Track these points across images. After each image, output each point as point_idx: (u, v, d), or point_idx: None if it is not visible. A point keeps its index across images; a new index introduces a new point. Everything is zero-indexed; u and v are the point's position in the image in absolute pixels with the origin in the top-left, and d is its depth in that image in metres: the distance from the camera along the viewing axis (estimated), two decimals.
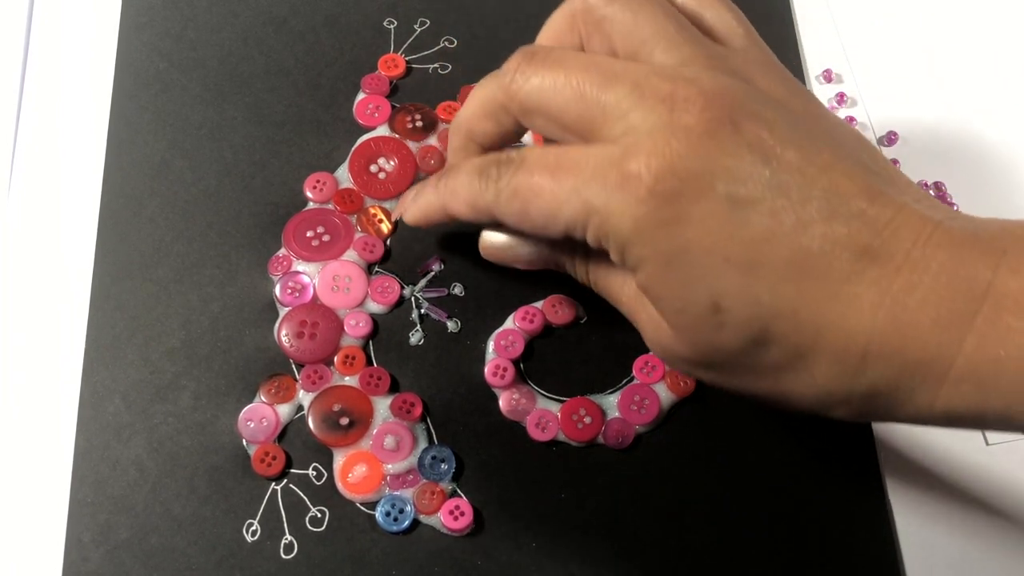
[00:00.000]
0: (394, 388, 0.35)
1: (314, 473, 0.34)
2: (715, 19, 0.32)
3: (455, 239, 0.38)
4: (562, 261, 0.33)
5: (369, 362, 0.36)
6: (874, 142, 0.42)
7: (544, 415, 0.35)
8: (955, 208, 0.40)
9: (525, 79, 0.30)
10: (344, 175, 0.39)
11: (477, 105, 0.32)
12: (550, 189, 0.28)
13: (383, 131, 0.40)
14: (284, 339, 0.35)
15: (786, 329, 0.26)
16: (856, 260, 0.25)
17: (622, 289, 0.31)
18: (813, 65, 0.43)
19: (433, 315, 0.37)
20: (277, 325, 0.36)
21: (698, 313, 0.27)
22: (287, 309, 0.36)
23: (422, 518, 0.33)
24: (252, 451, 0.34)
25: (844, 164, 0.27)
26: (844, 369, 0.26)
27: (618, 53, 0.31)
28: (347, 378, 0.35)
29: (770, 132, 0.27)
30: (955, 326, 0.24)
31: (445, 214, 0.33)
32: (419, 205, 0.34)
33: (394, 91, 0.41)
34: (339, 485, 0.33)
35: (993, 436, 0.35)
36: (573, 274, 0.33)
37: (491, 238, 0.33)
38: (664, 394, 0.35)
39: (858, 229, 0.26)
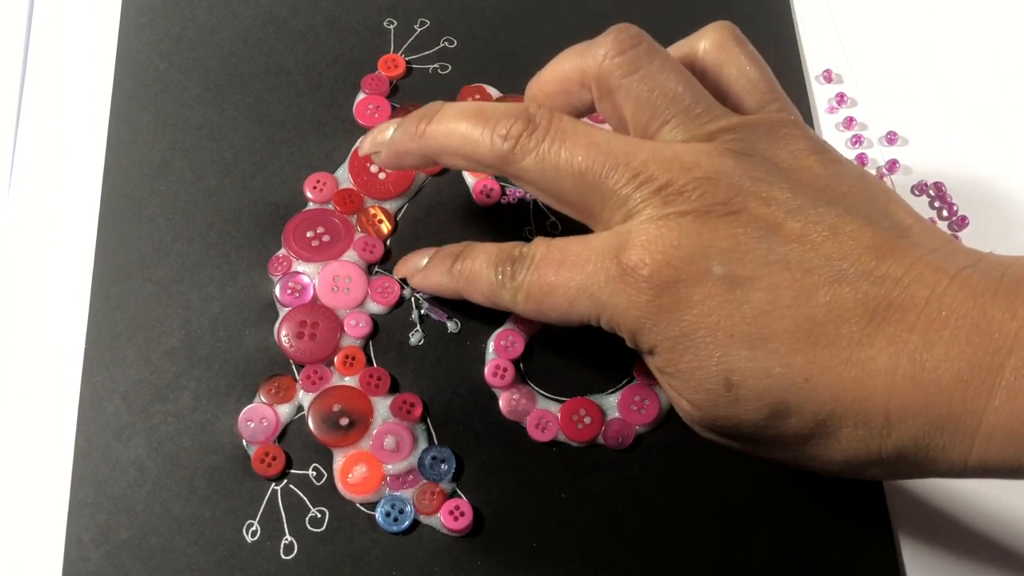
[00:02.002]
0: (394, 388, 0.35)
1: (314, 473, 0.34)
2: (736, 74, 0.32)
3: (455, 240, 0.38)
4: None
5: (369, 362, 0.36)
6: (874, 142, 0.42)
7: (544, 415, 0.35)
8: (955, 208, 0.40)
9: (524, 153, 0.30)
10: (344, 175, 0.39)
11: (471, 163, 0.32)
12: (560, 287, 0.29)
13: None
14: (284, 339, 0.35)
15: (801, 399, 0.26)
16: (867, 322, 0.25)
17: (649, 364, 0.31)
18: (813, 65, 0.43)
19: (433, 315, 0.37)
20: (277, 325, 0.36)
21: (712, 390, 0.27)
22: (287, 309, 0.36)
23: (422, 518, 0.33)
24: (252, 451, 0.34)
25: (851, 225, 0.27)
26: (869, 433, 0.26)
27: (627, 122, 0.31)
28: (347, 378, 0.35)
29: (768, 207, 0.27)
30: (980, 381, 0.24)
31: (459, 297, 0.34)
32: (430, 283, 0.34)
33: (394, 91, 0.41)
34: (339, 485, 0.33)
35: None
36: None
37: None
38: (664, 394, 0.35)
39: (866, 291, 0.26)
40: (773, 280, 0.26)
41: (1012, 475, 0.26)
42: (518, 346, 0.36)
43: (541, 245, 0.31)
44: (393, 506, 0.33)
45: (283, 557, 0.32)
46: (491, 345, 0.36)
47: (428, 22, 0.43)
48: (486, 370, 0.35)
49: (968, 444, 0.25)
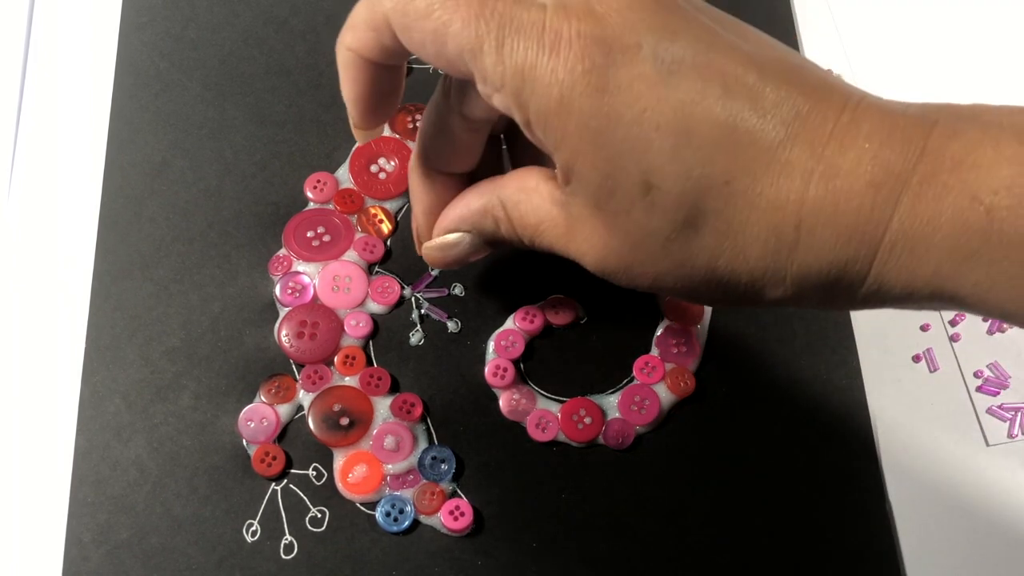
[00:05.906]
0: (394, 388, 0.35)
1: (314, 473, 0.34)
2: None
3: None
4: (497, 236, 0.31)
5: (369, 362, 0.36)
6: None
7: (544, 415, 0.35)
8: None
9: None
10: (344, 175, 0.39)
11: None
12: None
13: (383, 131, 0.40)
14: (284, 339, 0.35)
15: (718, 204, 0.25)
16: (788, 125, 0.25)
17: (547, 208, 0.29)
18: None
19: (433, 315, 0.37)
20: (277, 325, 0.36)
21: (628, 193, 0.26)
22: (287, 309, 0.36)
23: (422, 518, 0.33)
24: (252, 451, 0.34)
25: (779, 48, 0.27)
26: (778, 244, 0.25)
27: None
28: (347, 378, 0.35)
29: (690, 4, 0.26)
30: (889, 186, 0.24)
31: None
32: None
33: None
34: (339, 485, 0.33)
35: (993, 437, 0.35)
36: (507, 238, 0.31)
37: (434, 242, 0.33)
38: (664, 394, 0.35)
39: (789, 93, 0.25)
40: (704, 70, 0.25)
41: (904, 302, 0.25)
42: (518, 346, 0.36)
43: None
44: (393, 506, 0.33)
45: (283, 557, 0.32)
46: (491, 345, 0.36)
47: None
48: (486, 370, 0.35)
49: (868, 258, 0.25)
